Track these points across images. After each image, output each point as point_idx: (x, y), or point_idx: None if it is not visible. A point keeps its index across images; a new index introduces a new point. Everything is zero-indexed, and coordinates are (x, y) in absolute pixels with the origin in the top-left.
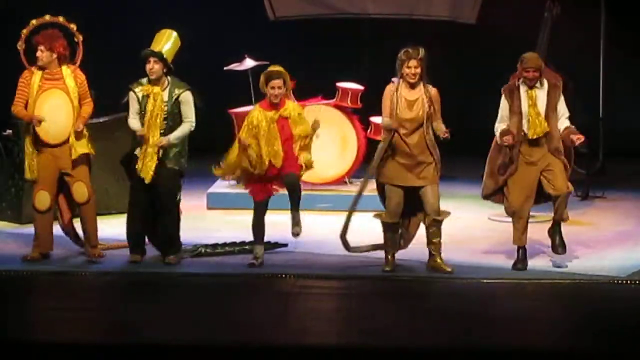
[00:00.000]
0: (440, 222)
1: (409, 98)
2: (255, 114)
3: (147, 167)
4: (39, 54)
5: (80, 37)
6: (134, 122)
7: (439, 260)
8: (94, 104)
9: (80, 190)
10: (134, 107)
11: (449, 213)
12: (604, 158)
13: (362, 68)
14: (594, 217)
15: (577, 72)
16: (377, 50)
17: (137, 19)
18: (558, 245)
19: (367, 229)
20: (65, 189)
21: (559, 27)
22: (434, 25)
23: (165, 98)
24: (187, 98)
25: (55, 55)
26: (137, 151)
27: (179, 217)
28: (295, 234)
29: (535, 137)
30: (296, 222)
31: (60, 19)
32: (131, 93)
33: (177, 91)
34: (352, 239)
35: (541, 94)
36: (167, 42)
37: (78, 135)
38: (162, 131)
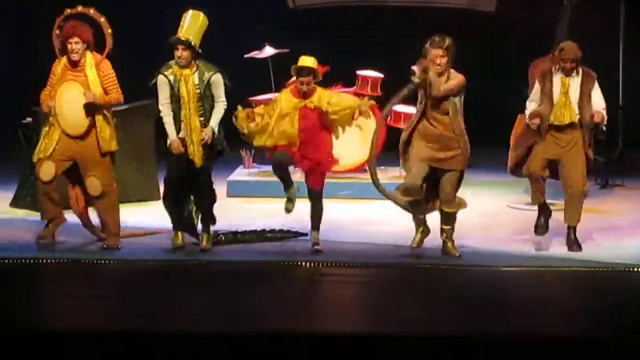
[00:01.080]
0: (449, 213)
1: (438, 83)
2: (283, 96)
3: (195, 150)
4: (71, 47)
5: (110, 30)
6: (167, 116)
7: (449, 245)
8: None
9: (93, 185)
10: (164, 92)
11: (461, 205)
12: (623, 146)
13: (381, 56)
14: (612, 205)
15: (597, 60)
16: (396, 38)
17: (157, 4)
18: (572, 244)
19: (397, 216)
20: (79, 182)
21: (579, 15)
22: (452, 13)
23: (196, 81)
24: (217, 79)
25: (85, 45)
26: (180, 134)
27: (215, 196)
28: (317, 251)
29: (557, 123)
30: (314, 242)
31: (91, 10)
32: (161, 77)
33: (207, 74)
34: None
35: (575, 83)
36: (194, 26)
37: (102, 127)
38: (200, 114)
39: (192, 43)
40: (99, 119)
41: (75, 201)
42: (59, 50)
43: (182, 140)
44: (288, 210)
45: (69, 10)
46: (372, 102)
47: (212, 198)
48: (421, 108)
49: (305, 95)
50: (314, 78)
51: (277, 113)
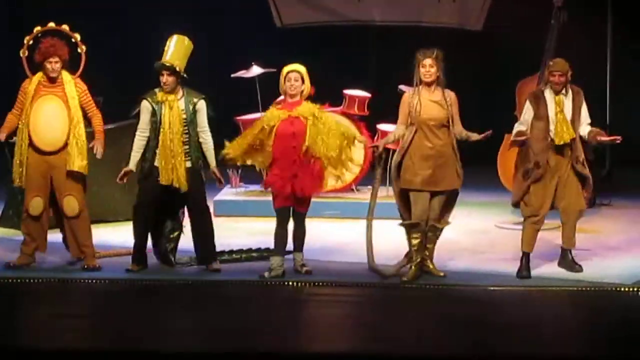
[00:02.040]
0: (438, 230)
1: (431, 99)
2: (267, 113)
3: (179, 175)
4: (50, 66)
5: (84, 48)
6: (138, 141)
7: (431, 266)
8: (100, 110)
9: (71, 205)
10: (144, 118)
11: (448, 223)
12: (611, 165)
13: (369, 76)
14: (600, 224)
15: (584, 78)
16: (384, 57)
17: (144, 26)
18: (573, 265)
19: (386, 237)
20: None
21: (566, 34)
22: (440, 32)
23: (182, 107)
24: (202, 106)
25: (61, 64)
26: (155, 162)
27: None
28: (307, 272)
29: (562, 143)
30: (301, 264)
31: (65, 27)
32: (144, 102)
33: (194, 100)
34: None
35: (567, 101)
36: (179, 51)
37: (78, 145)
38: (184, 140)
39: (177, 68)
40: (74, 135)
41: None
42: (29, 69)
43: (156, 168)
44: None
45: (39, 28)
46: (365, 139)
47: (212, 225)
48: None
49: (291, 106)
50: (302, 82)
51: (263, 130)
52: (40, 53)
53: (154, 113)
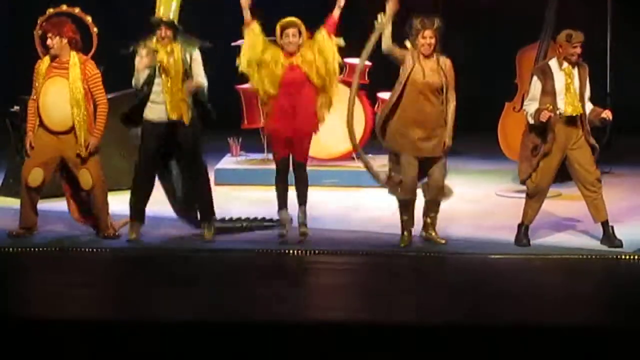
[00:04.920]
0: (440, 201)
1: (427, 65)
2: (272, 51)
3: (177, 105)
4: (49, 42)
5: (95, 30)
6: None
7: (434, 234)
8: (102, 77)
9: (85, 178)
10: (145, 59)
11: (451, 193)
12: (611, 133)
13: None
14: None
15: (585, 47)
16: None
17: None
18: (614, 239)
19: (374, 203)
20: (69, 178)
21: (566, 2)
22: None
23: (181, 56)
24: (197, 56)
25: (65, 40)
26: (159, 115)
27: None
28: (303, 234)
29: (575, 114)
30: (303, 222)
31: (77, 10)
32: (142, 43)
33: (189, 49)
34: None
35: (576, 74)
36: (171, 3)
37: (84, 131)
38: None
39: (175, 22)
40: (83, 115)
41: (69, 207)
42: (41, 49)
43: (160, 123)
44: (282, 235)
45: (51, 10)
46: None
47: (209, 184)
48: (400, 87)
49: (292, 56)
50: (299, 34)
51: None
52: (40, 29)
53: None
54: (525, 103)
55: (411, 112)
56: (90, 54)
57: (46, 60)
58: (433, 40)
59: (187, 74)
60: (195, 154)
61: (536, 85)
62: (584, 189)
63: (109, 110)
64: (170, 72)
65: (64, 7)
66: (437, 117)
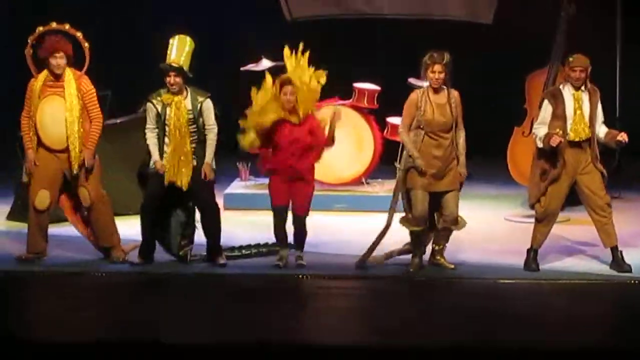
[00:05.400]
0: (452, 231)
1: (438, 102)
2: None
3: (182, 174)
4: (56, 61)
5: (87, 45)
6: (151, 139)
7: (442, 260)
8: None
9: (83, 196)
10: (150, 118)
11: (465, 224)
12: (620, 157)
13: (378, 69)
14: None
15: (594, 71)
16: (393, 50)
17: (152, 19)
18: (623, 263)
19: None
20: (71, 195)
21: (575, 27)
22: (449, 25)
23: (189, 107)
24: (208, 105)
25: (66, 60)
26: (163, 161)
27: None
28: (300, 266)
29: (577, 139)
30: (298, 256)
31: (67, 26)
32: (149, 105)
33: (199, 99)
34: (368, 239)
35: (585, 99)
36: (183, 51)
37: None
38: (191, 139)
39: (184, 68)
40: (79, 132)
41: (70, 211)
42: (34, 68)
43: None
44: (279, 267)
45: (41, 28)
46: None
47: (218, 219)
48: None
49: (290, 112)
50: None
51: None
52: (44, 48)
53: (158, 115)
54: (534, 126)
55: (424, 153)
56: (84, 69)
57: (40, 78)
58: (442, 75)
59: (196, 124)
60: (204, 194)
61: (547, 109)
62: (594, 214)
63: (116, 134)
64: (174, 133)
65: (54, 25)
66: (449, 155)
